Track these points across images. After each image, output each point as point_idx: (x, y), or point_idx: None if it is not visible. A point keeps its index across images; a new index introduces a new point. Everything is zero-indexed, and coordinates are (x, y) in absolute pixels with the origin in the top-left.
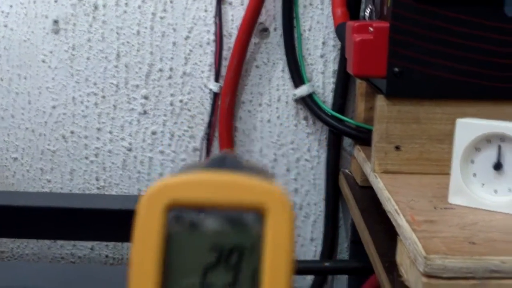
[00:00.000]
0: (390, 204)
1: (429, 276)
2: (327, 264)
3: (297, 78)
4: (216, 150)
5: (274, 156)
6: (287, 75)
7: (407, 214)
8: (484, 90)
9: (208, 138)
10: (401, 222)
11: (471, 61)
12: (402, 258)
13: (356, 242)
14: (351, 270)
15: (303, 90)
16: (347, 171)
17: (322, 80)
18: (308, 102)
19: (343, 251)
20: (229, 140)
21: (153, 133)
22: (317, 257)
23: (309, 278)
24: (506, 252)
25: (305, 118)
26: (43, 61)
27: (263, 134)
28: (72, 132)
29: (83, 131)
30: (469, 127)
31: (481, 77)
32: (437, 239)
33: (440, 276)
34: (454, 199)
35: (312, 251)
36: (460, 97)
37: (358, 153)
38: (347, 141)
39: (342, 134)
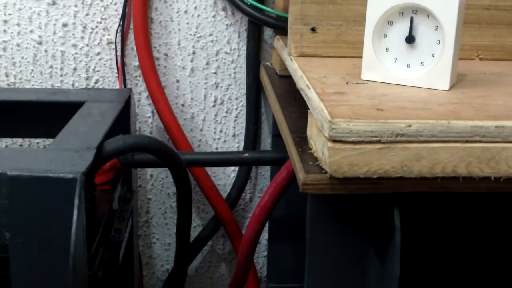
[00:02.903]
0: (302, 81)
1: (334, 140)
2: (246, 154)
3: None
4: (131, 43)
5: (193, 49)
6: None
7: (317, 87)
8: None
9: (123, 30)
10: (311, 95)
11: None
12: (311, 130)
13: (278, 135)
14: (270, 160)
15: None
16: (267, 63)
17: None
18: None
19: (266, 147)
20: (145, 33)
21: (64, 25)
22: None
23: (232, 176)
24: (413, 117)
25: (224, 9)
26: None
27: (181, 26)
28: None
29: None
30: None
31: None
32: (344, 107)
33: (345, 140)
34: (366, 74)
35: (235, 147)
36: None
37: (278, 42)
38: (268, 33)
39: (261, 24)
